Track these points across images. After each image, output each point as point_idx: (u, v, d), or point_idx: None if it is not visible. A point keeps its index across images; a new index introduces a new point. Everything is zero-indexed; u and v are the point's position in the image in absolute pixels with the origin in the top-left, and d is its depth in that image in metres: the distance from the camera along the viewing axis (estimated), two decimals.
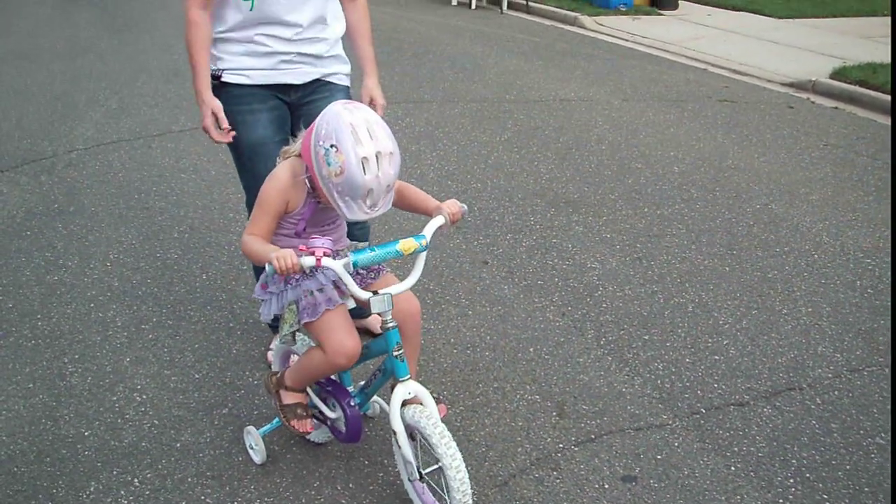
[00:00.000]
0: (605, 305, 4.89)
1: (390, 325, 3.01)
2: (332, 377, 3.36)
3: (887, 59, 10.55)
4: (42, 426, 3.81)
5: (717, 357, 4.39)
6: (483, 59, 11.33)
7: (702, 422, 3.88)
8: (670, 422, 3.87)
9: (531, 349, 4.41)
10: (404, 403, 3.03)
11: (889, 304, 4.98)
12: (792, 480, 3.55)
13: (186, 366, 4.24)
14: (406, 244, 2.95)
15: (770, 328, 4.68)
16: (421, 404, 3.03)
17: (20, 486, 3.46)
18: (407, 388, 3.03)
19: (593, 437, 3.77)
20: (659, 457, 3.66)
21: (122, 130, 7.87)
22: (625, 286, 5.11)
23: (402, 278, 3.14)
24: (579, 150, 7.57)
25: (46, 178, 6.69)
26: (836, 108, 9.34)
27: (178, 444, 3.70)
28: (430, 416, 2.97)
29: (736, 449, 3.71)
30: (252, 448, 3.59)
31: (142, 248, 5.45)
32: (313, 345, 3.25)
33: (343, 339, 3.07)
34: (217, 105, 3.73)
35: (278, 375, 3.42)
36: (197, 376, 4.16)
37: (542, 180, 6.79)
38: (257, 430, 3.56)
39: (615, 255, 5.52)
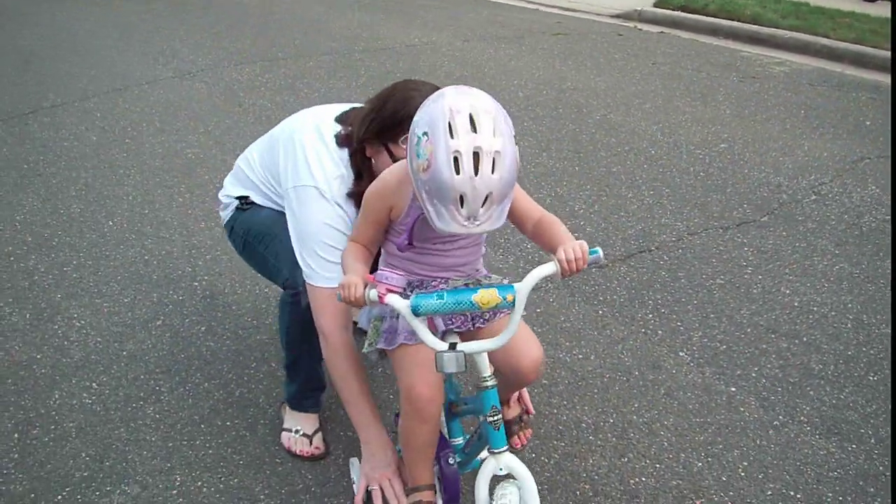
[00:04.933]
0: None
1: (485, 384, 2.52)
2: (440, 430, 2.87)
3: None
4: None
5: (575, 234, 5.08)
6: (326, 16, 11.85)
7: (569, 282, 4.58)
8: (543, 284, 4.56)
9: None
10: (496, 479, 2.55)
11: (720, 177, 5.76)
12: (651, 315, 4.28)
13: (114, 293, 4.74)
14: (485, 296, 2.35)
15: (619, 209, 5.41)
16: (515, 483, 2.54)
17: None
18: (500, 461, 2.53)
19: None
20: (538, 310, 4.34)
21: None
22: None
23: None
24: None
25: None
26: (661, 32, 10.16)
27: (125, 353, 4.22)
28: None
29: (601, 298, 4.42)
30: (354, 482, 3.25)
31: (44, 207, 5.86)
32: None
33: (415, 380, 2.60)
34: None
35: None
36: (126, 300, 4.67)
37: None
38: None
39: None
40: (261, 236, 3.43)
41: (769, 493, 3.27)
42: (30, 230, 5.51)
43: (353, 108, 3.23)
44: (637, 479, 3.35)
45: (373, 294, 2.39)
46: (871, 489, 3.28)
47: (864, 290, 4.43)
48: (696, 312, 4.27)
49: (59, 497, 3.40)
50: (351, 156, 3.08)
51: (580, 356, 4.00)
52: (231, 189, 3.58)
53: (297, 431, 3.55)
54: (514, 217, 2.60)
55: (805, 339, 4.06)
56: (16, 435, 3.71)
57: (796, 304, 4.32)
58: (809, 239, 4.95)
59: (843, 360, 3.92)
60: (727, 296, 4.40)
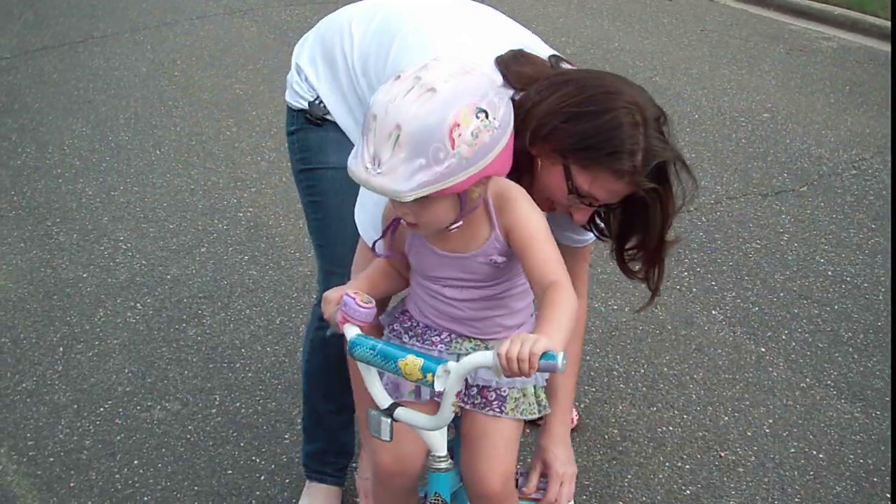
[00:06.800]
0: None
1: (435, 465, 2.11)
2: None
3: None
4: (43, 273, 4.39)
5: None
6: None
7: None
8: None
9: None
10: None
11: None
12: (686, 273, 4.35)
13: (160, 219, 4.84)
14: (410, 364, 1.90)
15: None
16: None
17: (37, 318, 4.06)
18: None
19: None
20: None
21: (45, 38, 8.22)
22: None
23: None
24: None
25: None
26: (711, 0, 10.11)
27: (169, 276, 4.33)
28: None
29: None
30: None
31: (93, 133, 5.96)
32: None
33: (379, 445, 2.18)
34: None
35: None
36: (171, 226, 4.77)
37: None
38: None
39: None
40: (314, 198, 2.69)
41: (792, 450, 3.35)
42: (78, 155, 5.62)
43: (524, 55, 2.26)
44: (664, 428, 3.44)
45: (337, 317, 2.05)
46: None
47: None
48: (731, 274, 4.33)
49: (102, 409, 3.53)
50: None
51: (614, 307, 4.08)
52: (307, 66, 2.61)
53: None
54: (524, 269, 2.07)
55: (836, 307, 4.12)
56: (60, 349, 3.84)
57: (830, 273, 4.37)
58: (847, 211, 4.98)
59: (873, 330, 3.97)
60: (762, 260, 4.46)
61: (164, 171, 5.39)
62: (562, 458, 2.53)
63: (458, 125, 1.83)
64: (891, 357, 3.71)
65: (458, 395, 1.95)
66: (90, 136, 5.90)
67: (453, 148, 1.83)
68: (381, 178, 1.84)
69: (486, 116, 1.87)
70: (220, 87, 6.66)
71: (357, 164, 1.88)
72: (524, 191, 2.10)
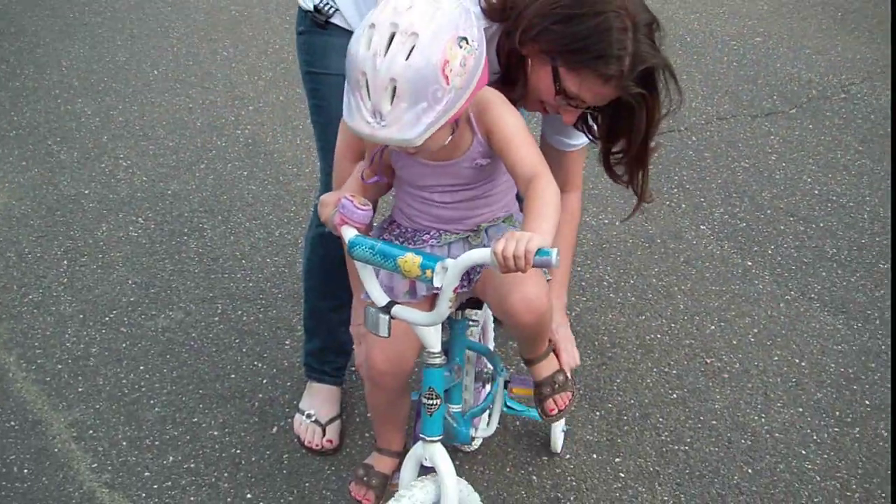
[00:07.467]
0: None
1: (429, 360, 2.19)
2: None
3: None
4: (44, 190, 4.46)
5: None
6: None
7: (595, 150, 4.72)
8: None
9: None
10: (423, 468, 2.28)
11: None
12: (676, 190, 4.45)
13: (159, 137, 4.91)
14: (409, 262, 1.96)
15: None
16: (434, 481, 2.22)
17: (40, 234, 4.15)
18: (428, 451, 2.22)
19: None
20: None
21: None
22: None
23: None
24: None
25: None
26: None
27: (170, 192, 4.42)
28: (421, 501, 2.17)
29: None
30: None
31: (90, 54, 5.99)
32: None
33: (373, 344, 2.33)
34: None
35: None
36: (171, 144, 4.84)
37: None
38: None
39: None
40: (317, 101, 2.74)
41: (776, 358, 3.48)
42: (76, 75, 5.66)
43: None
44: (652, 336, 3.56)
45: (334, 219, 2.09)
46: (872, 364, 3.49)
47: (883, 185, 4.57)
48: (720, 191, 4.43)
49: (107, 318, 3.63)
50: (499, 44, 2.30)
51: (605, 221, 4.19)
52: None
53: (309, 416, 3.09)
54: (507, 166, 2.14)
55: (822, 224, 4.23)
56: (65, 262, 3.94)
57: (816, 192, 4.47)
58: (834, 134, 5.07)
59: (857, 247, 4.08)
60: (750, 178, 4.55)
61: (162, 90, 5.44)
62: (563, 323, 2.64)
63: (448, 62, 1.87)
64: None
65: (455, 290, 1.99)
66: (88, 58, 5.93)
67: (448, 84, 1.88)
68: (387, 129, 1.88)
69: (467, 42, 1.91)
70: (215, 8, 6.67)
71: (356, 120, 1.92)
72: (498, 93, 2.17)
